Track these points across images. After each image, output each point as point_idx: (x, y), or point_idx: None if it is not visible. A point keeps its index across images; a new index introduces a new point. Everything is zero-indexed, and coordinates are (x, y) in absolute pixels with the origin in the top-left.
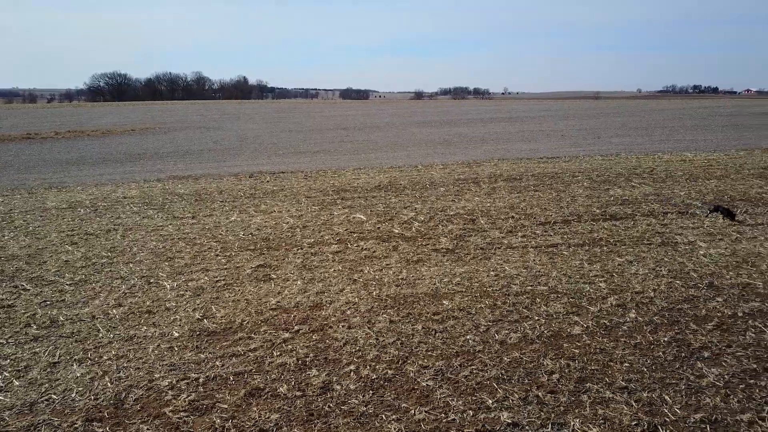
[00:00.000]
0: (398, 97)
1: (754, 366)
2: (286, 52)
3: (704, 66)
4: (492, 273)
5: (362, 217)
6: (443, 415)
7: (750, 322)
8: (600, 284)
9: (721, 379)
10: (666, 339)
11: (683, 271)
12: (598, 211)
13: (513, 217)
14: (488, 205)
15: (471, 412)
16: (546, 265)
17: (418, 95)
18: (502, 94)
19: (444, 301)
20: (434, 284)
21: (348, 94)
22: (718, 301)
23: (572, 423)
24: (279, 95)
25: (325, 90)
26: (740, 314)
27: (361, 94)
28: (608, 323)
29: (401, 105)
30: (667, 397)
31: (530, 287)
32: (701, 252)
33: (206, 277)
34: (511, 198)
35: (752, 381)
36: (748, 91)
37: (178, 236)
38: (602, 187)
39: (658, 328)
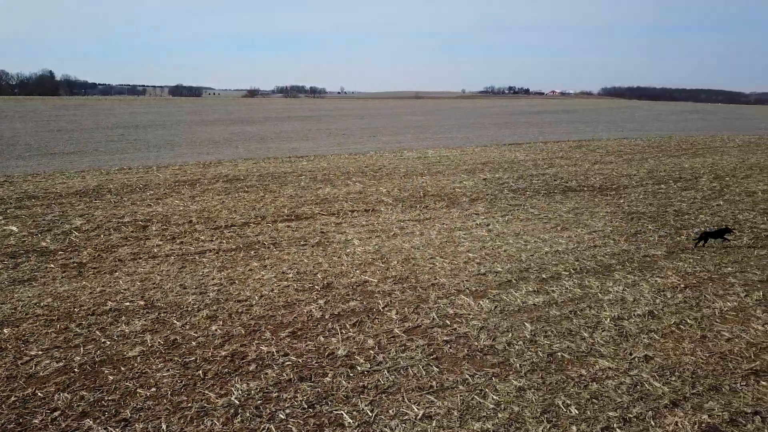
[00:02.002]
0: (233, 95)
1: (289, 377)
2: (115, 46)
3: (521, 69)
4: (98, 290)
5: (14, 228)
6: None
7: (331, 324)
8: (209, 294)
9: (243, 397)
10: (225, 353)
11: (311, 273)
12: (287, 211)
13: (192, 221)
14: (181, 209)
15: None
16: (169, 276)
17: (252, 93)
18: (338, 93)
19: (6, 329)
20: (15, 308)
21: (179, 91)
22: (318, 304)
23: None
24: (102, 92)
25: (154, 87)
26: (328, 316)
27: (194, 91)
28: (179, 339)
29: (214, 103)
30: (164, 426)
31: (127, 304)
32: (348, 250)
33: None
34: (212, 200)
35: (276, 394)
36: (553, 92)
37: None
38: (316, 186)
39: (229, 340)
